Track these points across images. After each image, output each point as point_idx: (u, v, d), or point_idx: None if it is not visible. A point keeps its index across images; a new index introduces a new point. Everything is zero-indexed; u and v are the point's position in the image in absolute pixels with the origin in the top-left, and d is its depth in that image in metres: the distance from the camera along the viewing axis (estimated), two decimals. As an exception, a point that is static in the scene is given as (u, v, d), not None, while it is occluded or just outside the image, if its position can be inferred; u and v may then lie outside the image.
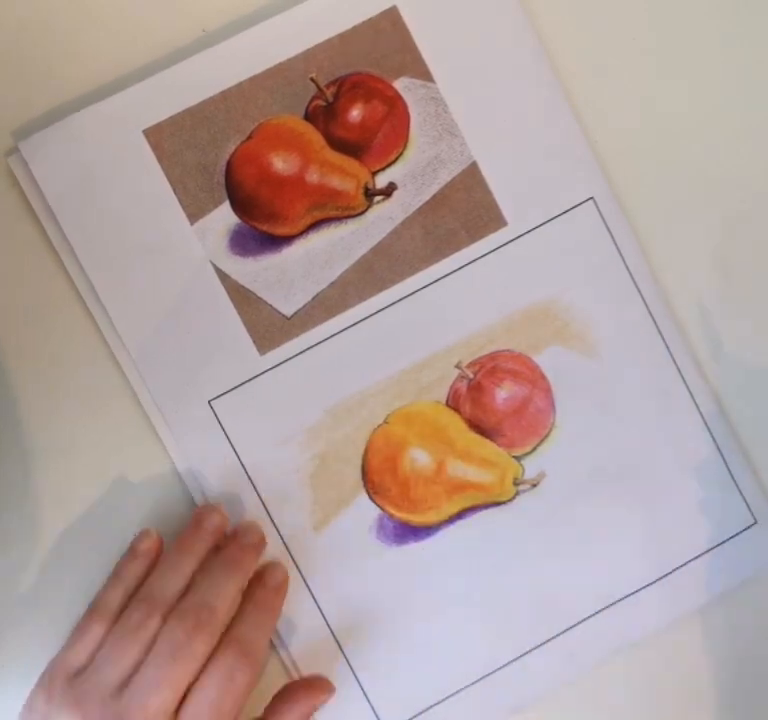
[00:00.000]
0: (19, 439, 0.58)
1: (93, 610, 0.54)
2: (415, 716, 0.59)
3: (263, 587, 0.56)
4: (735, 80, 0.61)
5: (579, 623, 0.60)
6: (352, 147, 0.58)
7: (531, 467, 0.60)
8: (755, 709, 0.62)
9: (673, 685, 0.61)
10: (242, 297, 0.58)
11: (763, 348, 0.62)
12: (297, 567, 0.58)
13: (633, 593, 0.60)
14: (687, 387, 0.60)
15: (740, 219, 0.61)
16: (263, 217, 0.58)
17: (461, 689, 0.59)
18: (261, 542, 0.57)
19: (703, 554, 0.61)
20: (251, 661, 0.52)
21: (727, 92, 0.61)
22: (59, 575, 0.58)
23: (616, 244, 0.60)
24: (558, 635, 0.60)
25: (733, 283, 0.61)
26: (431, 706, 0.59)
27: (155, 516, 0.59)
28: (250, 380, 0.58)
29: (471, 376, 0.59)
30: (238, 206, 0.57)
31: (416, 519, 0.59)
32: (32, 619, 0.58)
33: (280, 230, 0.58)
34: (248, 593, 0.55)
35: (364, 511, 0.59)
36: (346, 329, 0.58)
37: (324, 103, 0.58)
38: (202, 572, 0.54)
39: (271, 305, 0.58)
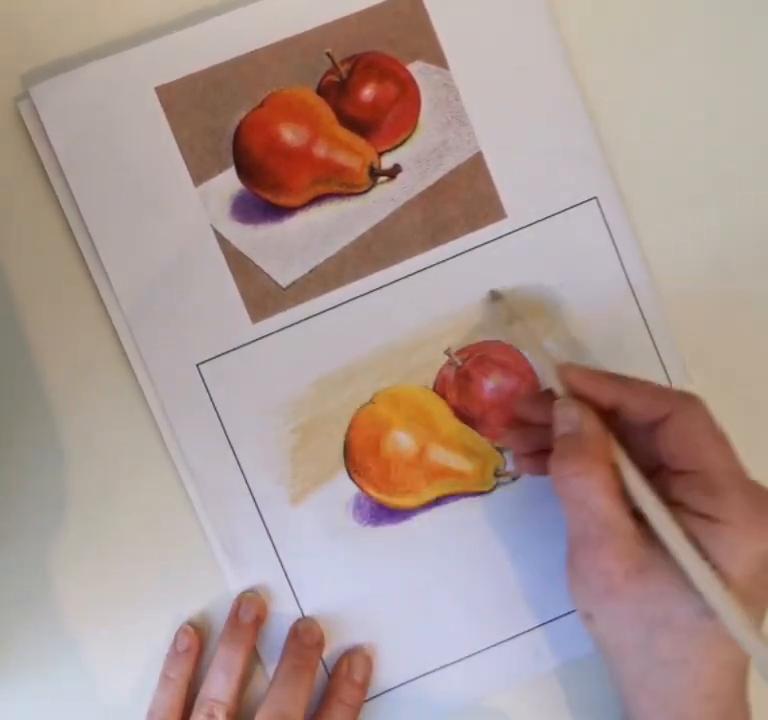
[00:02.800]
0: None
1: (149, 715, 0.57)
2: (377, 696, 0.58)
3: (349, 683, 0.57)
4: (741, 85, 0.62)
5: (546, 623, 0.60)
6: (361, 125, 0.59)
7: (513, 460, 0.59)
8: None
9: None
10: (239, 264, 0.57)
11: (753, 358, 0.62)
12: (270, 539, 0.58)
13: (603, 599, 0.60)
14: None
15: (741, 232, 0.62)
16: (267, 186, 0.58)
17: (424, 674, 0.59)
18: (322, 639, 0.58)
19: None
20: None
21: (734, 97, 0.62)
22: (58, 571, 0.58)
23: (615, 246, 0.60)
24: (524, 632, 0.59)
25: (730, 294, 0.62)
26: (393, 688, 0.59)
27: (136, 472, 0.58)
28: (240, 347, 0.58)
29: (459, 363, 0.59)
30: (243, 173, 0.57)
31: (394, 501, 0.59)
32: (33, 619, 0.58)
33: (283, 200, 0.58)
34: (332, 687, 0.57)
35: (342, 489, 0.58)
36: (340, 305, 0.58)
37: (337, 79, 0.58)
38: (275, 678, 0.56)
39: (268, 274, 0.58)
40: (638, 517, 0.50)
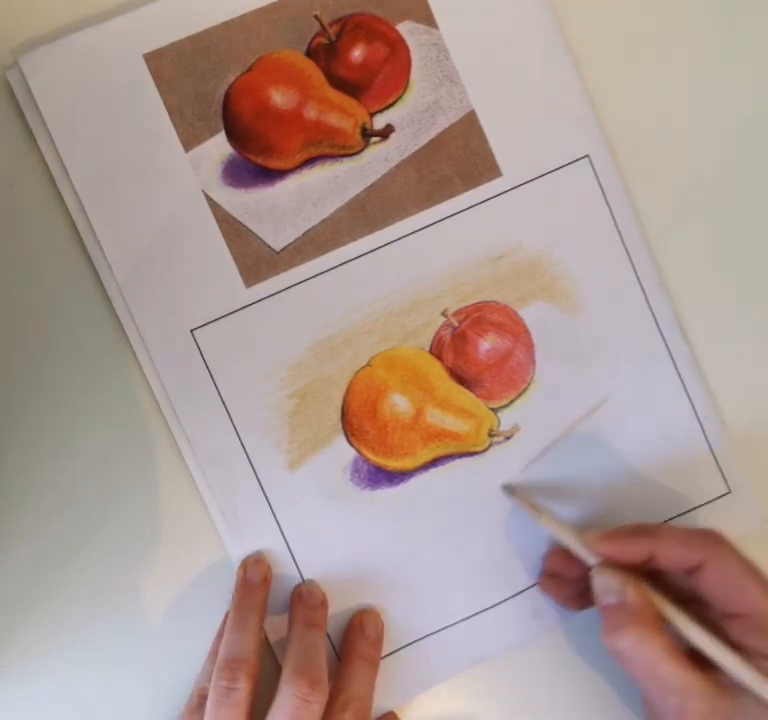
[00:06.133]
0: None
1: (197, 687, 0.57)
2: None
3: (365, 639, 0.58)
4: (741, 49, 0.62)
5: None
6: (352, 87, 0.58)
7: (507, 420, 0.60)
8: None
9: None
10: (232, 228, 0.57)
11: (749, 315, 0.62)
12: (269, 504, 0.58)
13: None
14: (669, 353, 0.60)
15: (734, 193, 0.62)
16: (258, 150, 0.57)
17: (425, 636, 0.59)
18: (325, 599, 0.58)
19: (674, 518, 0.61)
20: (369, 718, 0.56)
21: (731, 59, 0.61)
22: (59, 573, 0.58)
23: (608, 204, 0.60)
24: (521, 591, 0.60)
25: (724, 251, 0.62)
26: (392, 652, 0.59)
27: (132, 441, 0.58)
28: (234, 312, 0.58)
29: (456, 325, 0.59)
30: (234, 137, 0.57)
31: (391, 464, 0.59)
32: (34, 620, 0.58)
33: (274, 164, 0.58)
34: (349, 645, 0.57)
35: (340, 453, 0.59)
36: (335, 268, 0.58)
37: (326, 41, 0.58)
38: (291, 638, 0.56)
39: (261, 238, 0.57)
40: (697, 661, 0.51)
